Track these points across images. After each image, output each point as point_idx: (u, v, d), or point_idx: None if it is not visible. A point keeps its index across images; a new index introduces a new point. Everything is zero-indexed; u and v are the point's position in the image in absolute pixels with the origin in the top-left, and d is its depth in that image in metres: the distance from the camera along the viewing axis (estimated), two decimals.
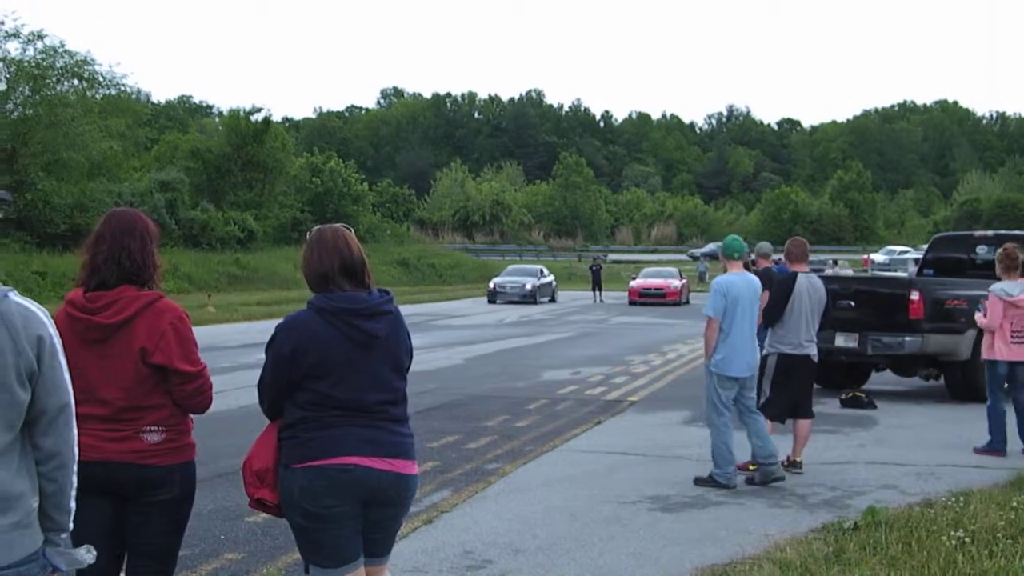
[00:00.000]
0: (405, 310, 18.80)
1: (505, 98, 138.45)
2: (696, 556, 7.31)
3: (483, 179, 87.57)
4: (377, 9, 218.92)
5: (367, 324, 4.40)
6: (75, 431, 3.24)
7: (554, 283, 46.12)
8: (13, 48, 48.77)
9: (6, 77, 47.06)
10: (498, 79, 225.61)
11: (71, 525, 3.29)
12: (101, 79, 52.43)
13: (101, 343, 4.35)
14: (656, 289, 42.75)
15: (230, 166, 56.71)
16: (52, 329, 3.12)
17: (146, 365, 4.35)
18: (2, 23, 53.92)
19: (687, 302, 43.25)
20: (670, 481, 9.74)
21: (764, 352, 10.14)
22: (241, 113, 59.07)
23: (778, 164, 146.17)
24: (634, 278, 44.88)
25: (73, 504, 3.29)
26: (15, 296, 3.05)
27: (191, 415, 4.56)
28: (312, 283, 4.50)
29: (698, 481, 9.57)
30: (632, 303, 42.16)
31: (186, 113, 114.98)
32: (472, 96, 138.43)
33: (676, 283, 43.34)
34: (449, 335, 26.63)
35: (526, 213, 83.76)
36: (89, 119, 46.52)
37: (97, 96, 51.68)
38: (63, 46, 49.80)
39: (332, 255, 4.47)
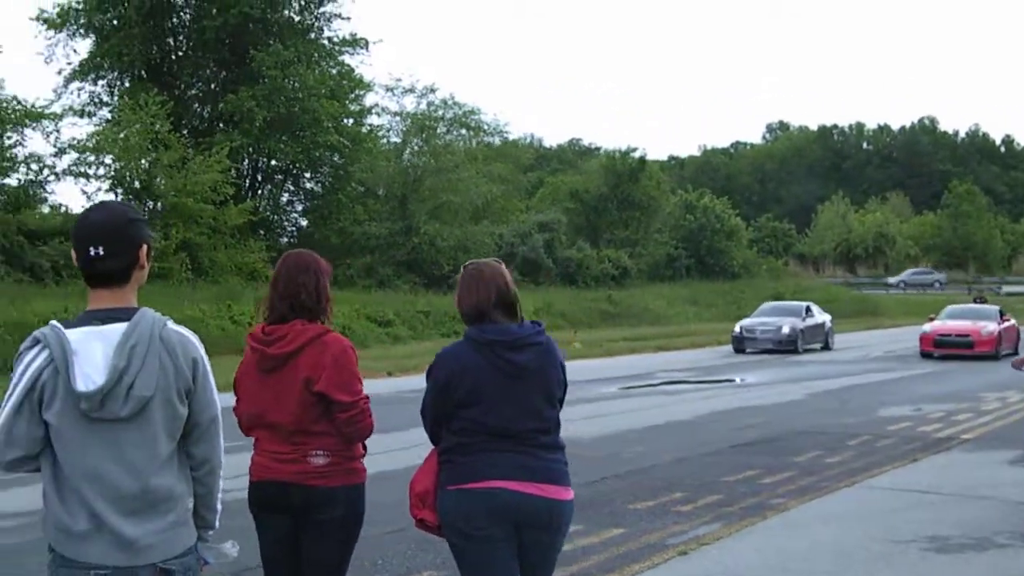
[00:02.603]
0: None
1: (895, 127, 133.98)
2: None
3: (867, 211, 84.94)
4: (759, 45, 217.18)
5: (515, 356, 4.60)
6: (222, 441, 3.68)
7: (829, 324, 35.94)
8: (409, 102, 52.58)
9: (402, 130, 50.74)
10: (888, 107, 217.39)
11: (218, 524, 3.76)
12: (486, 128, 55.50)
13: (273, 372, 4.82)
14: (959, 337, 30.09)
15: (607, 205, 58.16)
16: (203, 352, 3.59)
17: (311, 394, 4.76)
18: (400, 80, 58.10)
19: (1014, 352, 29.76)
20: (959, 521, 9.28)
21: None
22: (617, 154, 60.53)
23: None
24: (932, 318, 32.81)
25: (220, 505, 3.77)
26: (172, 324, 3.53)
27: (362, 444, 4.95)
28: (468, 316, 4.73)
29: None
30: (924, 355, 30.19)
31: (575, 155, 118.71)
32: (860, 127, 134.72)
33: (991, 327, 30.52)
34: (799, 370, 26.09)
35: (912, 245, 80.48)
36: (473, 166, 49.31)
37: (482, 144, 54.70)
38: (452, 98, 53.16)
39: (489, 289, 4.71)
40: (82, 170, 35.48)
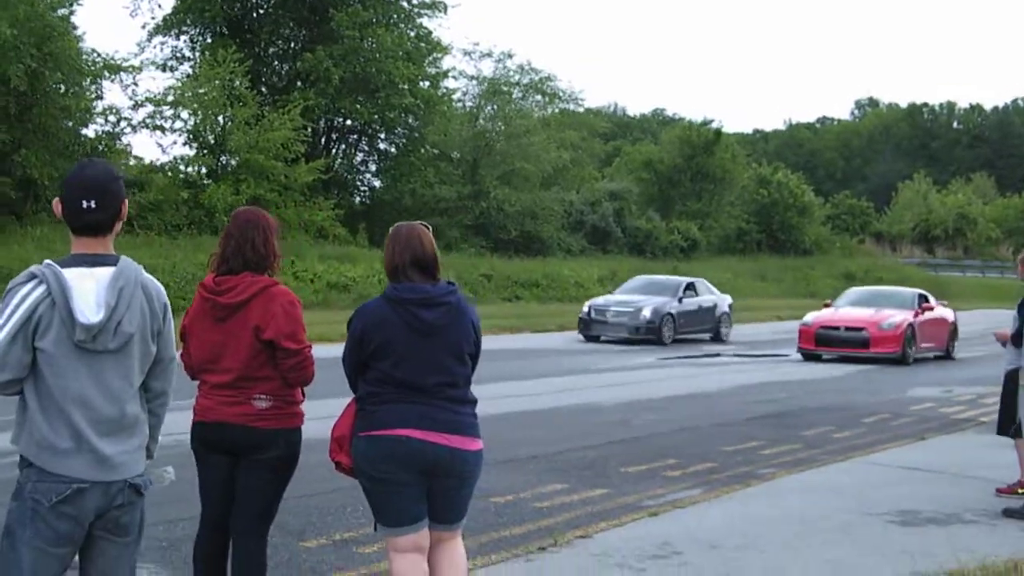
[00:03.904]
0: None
1: (988, 107, 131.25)
2: (894, 569, 7.27)
3: (949, 191, 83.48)
4: (852, 18, 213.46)
5: (425, 313, 4.98)
6: (174, 378, 4.17)
7: (724, 308, 28.41)
8: (486, 67, 52.93)
9: (477, 94, 51.13)
10: (980, 87, 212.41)
11: (155, 455, 4.22)
12: (561, 95, 55.63)
13: (224, 320, 5.23)
14: (849, 331, 22.73)
15: (680, 177, 58.08)
16: (167, 298, 4.07)
17: (259, 341, 5.17)
18: (477, 44, 58.57)
19: (946, 354, 24.31)
20: (935, 497, 9.49)
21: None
22: (693, 125, 60.38)
23: None
24: (828, 304, 25.01)
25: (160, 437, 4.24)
26: (144, 272, 3.99)
27: (301, 389, 5.37)
28: (387, 274, 5.15)
29: (1008, 512, 8.86)
30: (805, 355, 23.04)
31: (658, 125, 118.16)
32: (951, 106, 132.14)
33: (897, 319, 22.81)
34: None
35: (994, 228, 79.05)
36: (546, 132, 49.56)
37: (556, 111, 54.87)
38: (529, 64, 53.39)
39: (405, 250, 5.09)
40: (158, 123, 36.33)
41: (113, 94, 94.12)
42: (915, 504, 9.21)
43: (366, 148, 50.22)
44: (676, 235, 52.26)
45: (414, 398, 4.96)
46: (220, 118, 37.22)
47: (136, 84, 35.76)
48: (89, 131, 34.93)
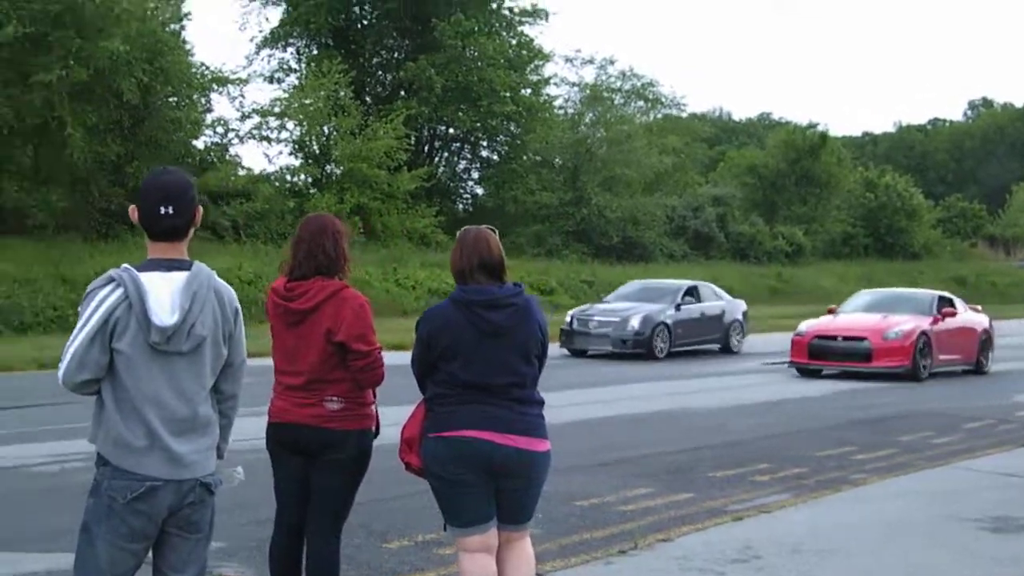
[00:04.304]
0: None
1: None
2: (980, 575, 7.15)
3: None
4: (966, 17, 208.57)
5: (491, 315, 5.04)
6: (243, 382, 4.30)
7: (735, 316, 25.47)
8: (587, 73, 53.01)
9: (578, 101, 51.22)
10: None
11: (225, 456, 4.37)
12: (663, 100, 55.48)
13: (296, 325, 5.36)
14: (848, 340, 19.82)
15: (784, 181, 57.46)
16: (238, 303, 4.22)
17: (330, 344, 5.29)
18: (579, 51, 58.65)
19: (975, 367, 21.20)
20: None
21: None
22: (797, 128, 59.71)
23: None
24: (832, 311, 21.73)
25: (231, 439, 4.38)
26: (217, 277, 4.12)
27: (372, 390, 5.48)
28: (455, 277, 5.22)
29: None
30: (800, 369, 20.19)
31: (764, 130, 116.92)
32: None
33: (908, 326, 19.69)
34: None
35: None
36: (647, 137, 49.45)
37: (658, 116, 54.73)
38: (631, 70, 53.34)
39: (472, 253, 5.16)
40: (264, 134, 37.09)
41: (221, 106, 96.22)
42: (1009, 511, 9.02)
43: (469, 156, 50.68)
44: (780, 240, 51.72)
45: (481, 399, 5.02)
46: (325, 128, 37.91)
47: (243, 96, 36.62)
48: (199, 143, 35.86)
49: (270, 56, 46.59)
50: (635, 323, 22.61)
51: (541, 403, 5.22)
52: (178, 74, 32.34)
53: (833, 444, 12.26)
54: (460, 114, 44.98)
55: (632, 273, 41.44)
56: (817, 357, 19.80)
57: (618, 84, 52.53)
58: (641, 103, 54.46)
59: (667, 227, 47.95)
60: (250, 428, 7.07)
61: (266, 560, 5.66)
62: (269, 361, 5.54)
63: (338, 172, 37.81)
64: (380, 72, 48.48)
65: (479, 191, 50.40)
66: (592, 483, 9.64)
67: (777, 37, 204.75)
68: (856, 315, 20.87)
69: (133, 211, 4.03)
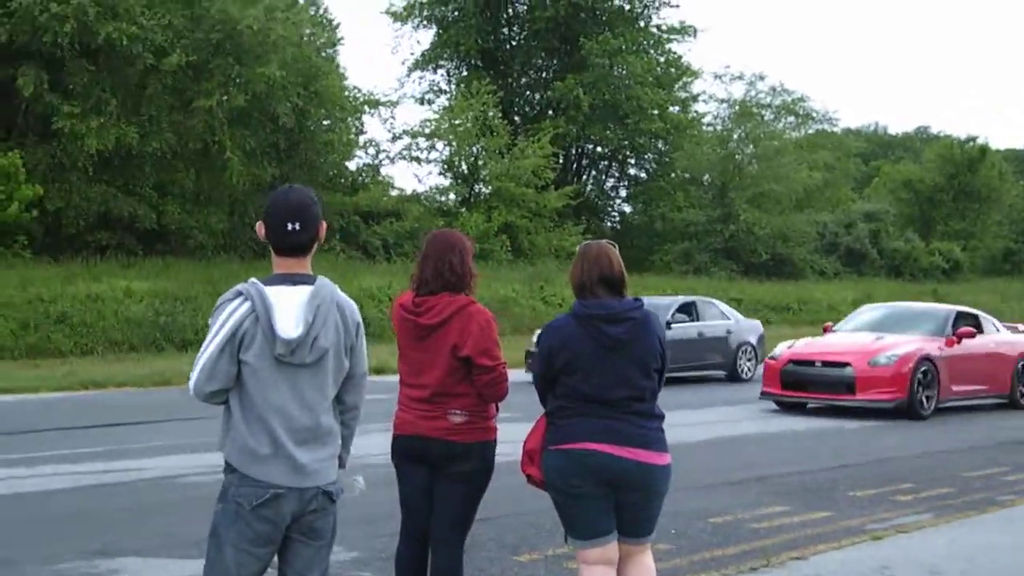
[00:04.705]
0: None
1: None
2: None
3: None
4: None
5: (611, 328, 5.11)
6: (366, 393, 4.48)
7: (747, 338, 22.36)
8: (736, 89, 52.60)
9: (727, 117, 50.85)
10: None
11: (347, 464, 4.56)
12: (814, 115, 54.67)
13: (424, 339, 5.50)
14: (828, 366, 16.13)
15: (942, 196, 56.04)
16: (360, 318, 4.40)
17: (456, 359, 5.42)
18: (728, 67, 58.24)
19: (1009, 397, 17.47)
20: None
21: None
22: (955, 142, 58.18)
23: None
24: (829, 327, 18.03)
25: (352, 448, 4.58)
26: (339, 291, 4.30)
27: (495, 404, 5.61)
28: (575, 291, 5.30)
29: None
30: (775, 401, 16.70)
31: (921, 144, 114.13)
32: None
33: (907, 349, 15.93)
34: None
35: None
36: (796, 153, 48.80)
37: (809, 132, 53.94)
38: (782, 85, 52.74)
39: (593, 267, 5.24)
40: (415, 155, 37.86)
41: (373, 128, 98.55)
42: None
43: (616, 174, 50.76)
44: (937, 256, 50.42)
45: (601, 412, 5.08)
46: (473, 148, 38.46)
47: (394, 117, 37.59)
48: (351, 164, 36.84)
49: (421, 78, 47.62)
50: None
51: (661, 417, 5.27)
52: (331, 97, 33.30)
53: (982, 464, 11.95)
54: (608, 132, 45.12)
55: (782, 291, 40.94)
56: (793, 387, 16.30)
57: (768, 100, 52.00)
58: (791, 119, 53.76)
59: (818, 244, 47.21)
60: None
61: (394, 570, 5.81)
62: None
63: (486, 191, 38.35)
64: (528, 92, 48.98)
65: (627, 208, 50.47)
66: (727, 500, 9.63)
67: (934, 50, 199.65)
68: (847, 335, 17.17)
69: (260, 227, 4.18)
